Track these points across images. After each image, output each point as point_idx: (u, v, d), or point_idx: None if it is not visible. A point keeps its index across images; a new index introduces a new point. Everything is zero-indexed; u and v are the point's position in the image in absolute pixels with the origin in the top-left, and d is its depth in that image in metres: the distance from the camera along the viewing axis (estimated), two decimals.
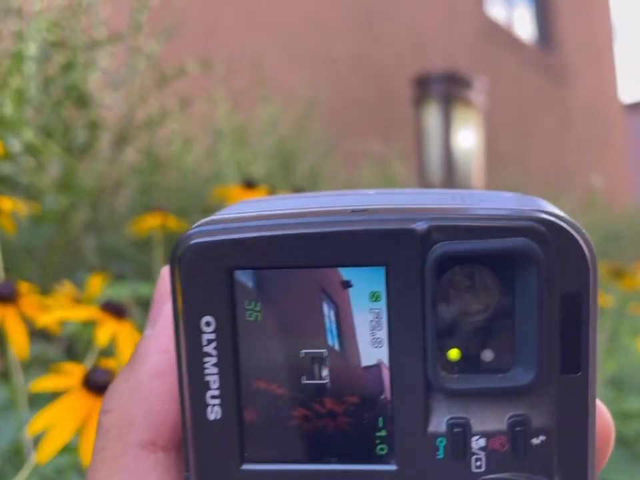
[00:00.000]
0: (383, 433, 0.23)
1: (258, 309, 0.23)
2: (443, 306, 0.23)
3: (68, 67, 1.37)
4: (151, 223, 1.05)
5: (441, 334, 0.23)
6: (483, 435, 0.23)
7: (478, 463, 0.23)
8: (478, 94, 3.41)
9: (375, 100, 4.05)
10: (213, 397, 0.23)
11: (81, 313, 0.63)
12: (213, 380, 0.23)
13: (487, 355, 0.23)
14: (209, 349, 0.23)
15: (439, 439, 0.23)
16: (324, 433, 0.24)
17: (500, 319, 0.23)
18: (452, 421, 0.23)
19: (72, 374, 0.55)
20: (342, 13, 4.01)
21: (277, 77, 2.09)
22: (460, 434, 0.23)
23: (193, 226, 0.24)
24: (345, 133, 2.31)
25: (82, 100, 1.35)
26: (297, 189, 1.11)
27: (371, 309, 0.23)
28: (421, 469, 0.23)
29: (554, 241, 0.22)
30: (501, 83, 4.57)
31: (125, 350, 0.59)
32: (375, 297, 0.23)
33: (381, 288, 0.23)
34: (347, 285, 0.23)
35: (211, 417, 0.23)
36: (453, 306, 0.23)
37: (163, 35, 1.53)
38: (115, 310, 0.61)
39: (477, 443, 0.23)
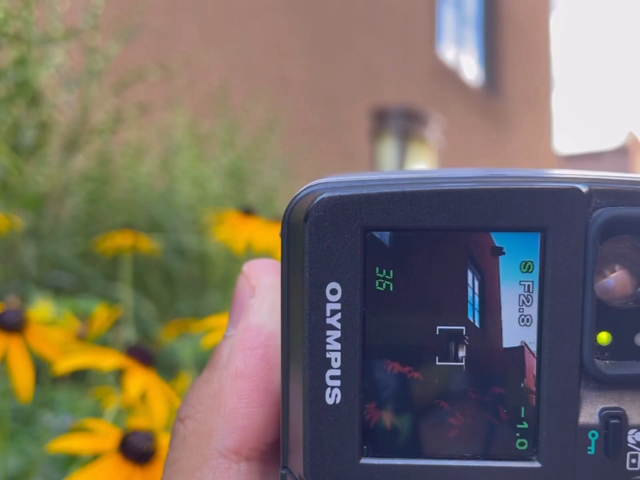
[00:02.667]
0: (525, 426, 0.20)
1: (390, 277, 0.20)
2: (599, 279, 0.20)
3: (20, 61, 1.28)
4: (120, 241, 0.96)
5: (598, 313, 0.20)
6: None
7: (633, 461, 0.20)
8: (433, 132, 3.48)
9: (330, 128, 4.06)
10: (333, 377, 0.20)
11: (107, 361, 0.53)
12: (335, 358, 0.20)
13: None
14: (333, 320, 0.20)
15: (591, 432, 0.20)
16: (457, 424, 0.20)
17: None
18: (606, 412, 0.20)
19: (103, 434, 0.46)
20: (298, 39, 4.01)
21: (232, 95, 2.04)
22: (616, 427, 0.20)
23: (311, 184, 0.20)
24: (301, 158, 2.28)
25: (33, 98, 1.27)
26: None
27: (521, 281, 0.20)
28: (568, 466, 0.20)
29: None
30: (449, 123, 4.64)
31: (156, 403, 0.51)
32: (526, 267, 0.20)
33: (534, 257, 0.19)
34: (498, 251, 0.20)
35: (330, 400, 0.20)
36: (609, 280, 0.20)
37: (122, 35, 1.46)
38: (142, 356, 0.53)
39: (634, 437, 0.20)
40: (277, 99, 2.83)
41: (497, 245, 0.20)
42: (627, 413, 0.20)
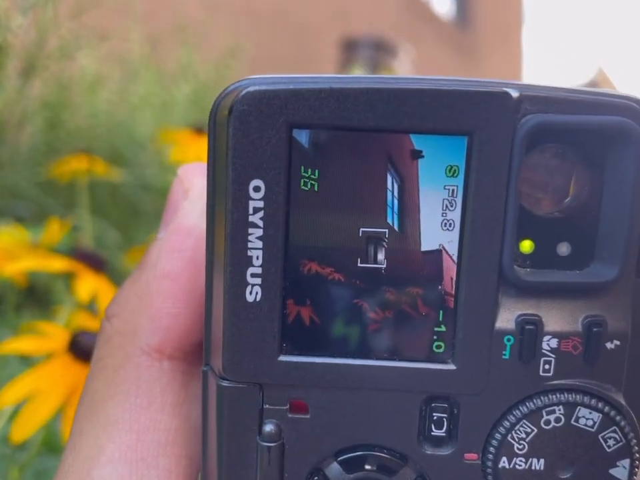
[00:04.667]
0: (442, 329, 0.20)
1: (315, 176, 0.20)
2: (526, 188, 0.20)
3: None
4: (76, 166, 0.94)
5: (519, 220, 0.20)
6: (555, 335, 0.20)
7: (546, 367, 0.20)
8: (403, 63, 3.44)
9: (297, 59, 3.99)
10: (254, 275, 0.20)
11: (55, 264, 0.54)
12: (256, 256, 0.20)
13: (563, 249, 0.21)
14: (255, 218, 0.19)
15: (507, 337, 0.20)
16: (375, 325, 0.20)
17: (582, 208, 0.20)
18: (523, 317, 0.20)
19: (52, 335, 0.46)
20: None
21: (195, 24, 1.99)
22: (531, 332, 0.20)
23: (240, 80, 0.19)
24: None
25: None
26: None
27: (445, 185, 0.20)
28: (482, 369, 0.20)
29: None
30: (419, 55, 4.59)
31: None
32: (451, 171, 0.20)
33: (460, 161, 0.19)
34: (416, 155, 0.19)
35: (250, 298, 0.20)
36: (534, 189, 0.20)
37: None
38: (93, 261, 0.53)
39: (548, 343, 0.20)
40: (244, 28, 2.77)
41: (416, 147, 0.19)
42: (543, 319, 0.20)
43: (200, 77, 1.85)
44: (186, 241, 0.23)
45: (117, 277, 1.05)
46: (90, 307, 0.59)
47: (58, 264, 0.54)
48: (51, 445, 0.53)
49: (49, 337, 0.47)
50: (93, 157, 0.98)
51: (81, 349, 0.44)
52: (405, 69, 3.48)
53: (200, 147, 0.90)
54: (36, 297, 0.99)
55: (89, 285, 0.52)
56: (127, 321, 0.23)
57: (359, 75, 0.20)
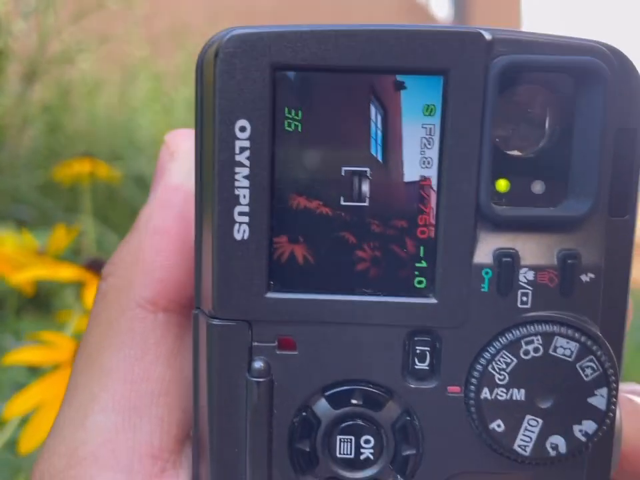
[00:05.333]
0: (423, 264, 0.21)
1: (298, 117, 0.20)
2: (500, 129, 0.21)
3: None
4: (78, 169, 0.94)
5: (494, 159, 0.20)
6: (531, 268, 0.21)
7: (524, 299, 0.21)
8: None
9: None
10: (242, 213, 0.20)
11: (64, 273, 0.53)
12: (243, 194, 0.20)
13: (537, 187, 0.21)
14: (241, 157, 0.20)
15: (485, 270, 0.21)
16: (358, 260, 0.21)
17: (555, 146, 0.21)
18: (500, 251, 0.21)
19: (59, 345, 0.45)
20: None
21: (195, 27, 2.00)
22: (508, 265, 0.21)
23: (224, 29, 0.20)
24: None
25: None
26: None
27: (423, 124, 0.20)
28: (462, 302, 0.21)
29: (619, 68, 0.20)
30: None
31: None
32: (428, 110, 0.20)
33: (437, 100, 0.20)
34: (400, 86, 0.20)
35: (238, 236, 0.20)
36: (508, 129, 0.21)
37: None
38: (101, 269, 0.53)
39: (525, 276, 0.21)
40: None
41: (399, 79, 0.20)
42: (519, 253, 0.21)
43: None
44: (174, 197, 0.24)
45: None
46: None
47: (67, 273, 0.54)
48: None
49: (55, 346, 0.46)
50: (95, 160, 0.98)
51: None
52: None
53: None
54: (37, 301, 0.99)
55: None
56: (121, 277, 0.24)
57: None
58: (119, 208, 1.42)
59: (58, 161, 1.32)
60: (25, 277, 0.53)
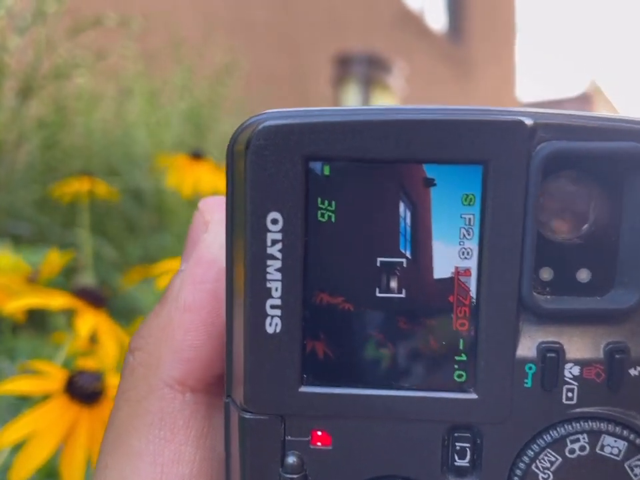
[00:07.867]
0: (463, 358, 0.20)
1: (332, 208, 0.20)
2: (544, 215, 0.20)
3: None
4: (76, 187, 0.95)
5: (537, 247, 0.20)
6: (577, 362, 0.20)
7: (569, 394, 0.20)
8: (396, 79, 3.45)
9: (292, 73, 4.01)
10: (274, 306, 0.20)
11: (55, 301, 0.53)
12: (275, 287, 0.20)
13: (583, 275, 0.21)
14: (273, 250, 0.20)
15: (528, 365, 0.20)
16: (395, 354, 0.20)
17: (601, 234, 0.20)
18: (544, 345, 0.20)
19: (49, 375, 0.45)
20: None
21: (191, 40, 2.00)
22: (553, 360, 0.20)
23: (256, 114, 0.20)
24: (262, 104, 2.25)
25: None
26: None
27: (462, 214, 0.20)
28: (505, 398, 0.20)
29: None
30: (413, 70, 4.61)
31: (107, 344, 0.51)
32: (467, 200, 0.20)
33: (476, 190, 0.19)
34: (429, 183, 0.20)
35: (270, 329, 0.20)
36: (552, 215, 0.20)
37: None
38: (93, 298, 0.53)
39: (571, 371, 0.20)
40: (238, 44, 2.79)
41: (428, 176, 0.20)
42: (564, 347, 0.20)
43: (195, 94, 1.86)
44: (207, 273, 0.23)
45: (113, 294, 1.05)
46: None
47: (58, 301, 0.54)
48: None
49: (47, 376, 0.46)
50: (93, 178, 0.98)
51: (78, 389, 0.44)
52: (399, 84, 3.49)
53: (196, 172, 0.91)
54: (33, 321, 0.99)
55: (88, 322, 0.52)
56: (150, 354, 0.23)
57: (372, 106, 0.20)
58: (116, 222, 1.42)
59: (54, 176, 1.32)
60: (16, 305, 0.53)
